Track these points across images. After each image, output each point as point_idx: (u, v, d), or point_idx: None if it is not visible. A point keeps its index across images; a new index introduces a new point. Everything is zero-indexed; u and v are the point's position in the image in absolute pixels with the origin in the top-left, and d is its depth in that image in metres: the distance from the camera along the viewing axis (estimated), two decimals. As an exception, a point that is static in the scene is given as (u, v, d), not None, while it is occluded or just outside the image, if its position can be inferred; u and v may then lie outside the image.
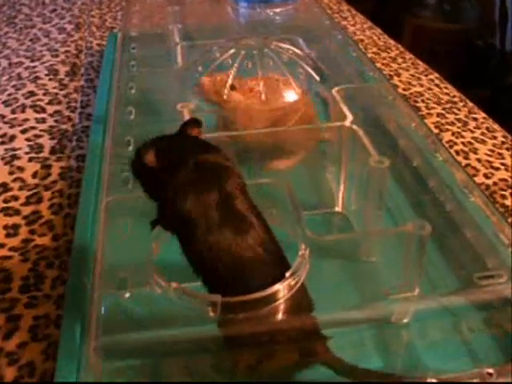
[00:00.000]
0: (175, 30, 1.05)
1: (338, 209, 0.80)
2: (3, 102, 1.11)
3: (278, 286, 0.51)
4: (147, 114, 0.83)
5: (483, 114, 1.09)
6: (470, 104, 1.13)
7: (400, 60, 1.29)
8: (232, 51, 0.85)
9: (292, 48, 0.89)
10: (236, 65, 0.83)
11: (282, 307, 0.52)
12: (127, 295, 0.55)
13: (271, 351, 0.53)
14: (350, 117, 0.76)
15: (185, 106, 0.77)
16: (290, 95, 0.82)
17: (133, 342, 0.51)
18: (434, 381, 0.54)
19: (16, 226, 0.80)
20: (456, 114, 1.08)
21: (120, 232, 0.63)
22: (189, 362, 0.54)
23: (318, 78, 0.86)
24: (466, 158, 0.95)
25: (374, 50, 1.32)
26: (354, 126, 0.75)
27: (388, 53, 1.32)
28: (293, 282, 0.52)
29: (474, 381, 0.54)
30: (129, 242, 0.61)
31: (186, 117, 0.75)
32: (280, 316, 0.52)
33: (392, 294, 0.57)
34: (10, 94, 1.13)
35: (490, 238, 0.63)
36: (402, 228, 0.61)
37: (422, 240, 0.59)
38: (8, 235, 0.79)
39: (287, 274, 0.52)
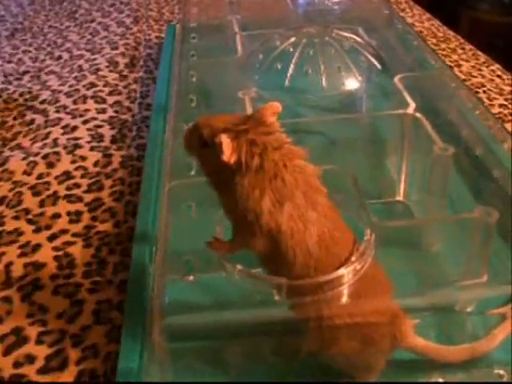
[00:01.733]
0: (234, 20, 1.05)
1: (399, 198, 0.79)
2: (65, 93, 1.13)
3: (343, 270, 0.51)
4: (208, 102, 0.84)
5: (548, 106, 1.07)
6: (534, 95, 1.11)
7: (460, 51, 1.27)
8: (293, 40, 0.85)
9: (353, 36, 0.88)
10: (297, 53, 0.83)
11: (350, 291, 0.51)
12: (191, 278, 0.55)
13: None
14: (412, 104, 0.75)
15: (246, 94, 0.77)
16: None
17: (197, 324, 0.51)
18: (501, 372, 0.53)
19: (78, 213, 0.82)
20: (520, 105, 1.05)
21: (183, 217, 0.64)
22: (252, 344, 0.54)
23: (379, 67, 0.85)
24: (531, 148, 0.93)
25: (434, 41, 1.31)
26: (417, 114, 0.74)
27: (448, 44, 1.30)
28: (358, 267, 0.52)
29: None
30: (192, 226, 0.61)
31: (248, 104, 0.75)
32: (350, 299, 0.52)
33: (458, 281, 0.56)
34: (71, 86, 1.16)
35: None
36: (468, 214, 0.60)
37: (488, 227, 0.58)
38: (71, 221, 0.80)
39: (353, 258, 0.51)
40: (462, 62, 1.20)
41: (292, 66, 0.82)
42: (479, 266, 0.60)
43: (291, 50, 0.84)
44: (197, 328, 0.51)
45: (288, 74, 0.82)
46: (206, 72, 0.89)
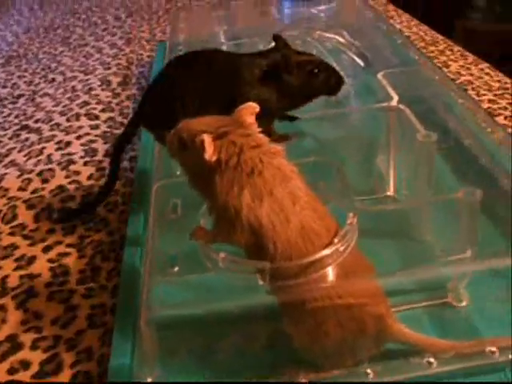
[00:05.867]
0: (221, 32, 1.06)
1: (389, 193, 0.79)
2: (59, 113, 1.14)
3: (326, 251, 0.51)
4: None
5: (537, 99, 1.07)
6: (524, 90, 1.11)
7: (448, 52, 1.28)
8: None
9: (336, 37, 0.89)
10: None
11: (334, 272, 0.51)
12: (176, 269, 0.55)
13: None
14: (395, 97, 0.76)
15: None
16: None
17: (182, 314, 0.51)
18: (493, 349, 0.53)
19: (72, 225, 0.82)
20: (508, 100, 1.05)
21: (170, 215, 0.65)
22: (239, 331, 0.54)
23: (362, 65, 0.86)
24: (520, 140, 0.93)
25: (422, 44, 1.32)
26: (401, 106, 0.74)
27: (436, 46, 1.31)
28: (341, 248, 0.52)
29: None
30: (178, 222, 0.62)
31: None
32: (332, 281, 0.52)
33: (445, 257, 0.56)
34: (65, 106, 1.17)
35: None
36: (452, 195, 0.60)
37: (472, 206, 0.58)
38: (65, 234, 0.81)
39: (336, 240, 0.52)
40: (450, 63, 1.21)
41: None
42: (466, 242, 0.59)
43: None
44: (182, 317, 0.51)
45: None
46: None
